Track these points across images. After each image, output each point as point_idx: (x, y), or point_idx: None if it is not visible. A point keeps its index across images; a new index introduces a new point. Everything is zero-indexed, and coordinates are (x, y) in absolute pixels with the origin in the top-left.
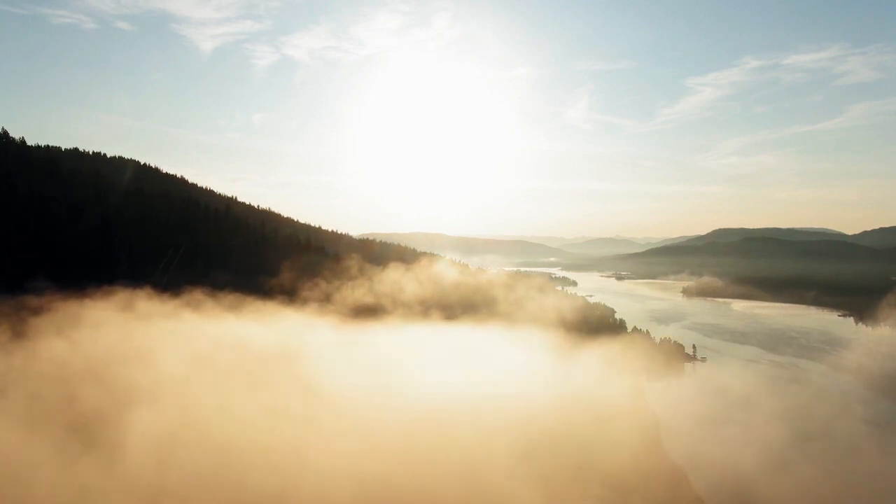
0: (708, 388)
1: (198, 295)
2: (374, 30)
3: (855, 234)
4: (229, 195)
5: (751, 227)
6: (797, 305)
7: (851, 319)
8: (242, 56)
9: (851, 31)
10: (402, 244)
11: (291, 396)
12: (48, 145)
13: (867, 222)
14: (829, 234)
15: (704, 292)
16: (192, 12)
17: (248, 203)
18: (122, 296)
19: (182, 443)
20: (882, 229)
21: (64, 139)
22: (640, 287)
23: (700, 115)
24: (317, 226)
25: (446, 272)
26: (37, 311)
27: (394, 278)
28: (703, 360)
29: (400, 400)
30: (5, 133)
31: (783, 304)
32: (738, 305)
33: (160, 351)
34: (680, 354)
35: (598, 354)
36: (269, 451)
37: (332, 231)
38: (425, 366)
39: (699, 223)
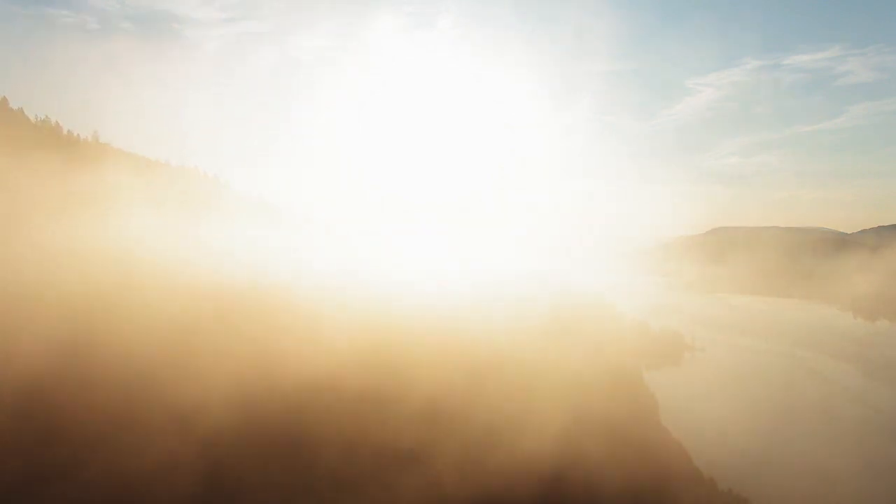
0: (706, 374)
1: None
2: (377, 31)
3: (854, 233)
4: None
5: (750, 225)
6: (796, 300)
7: (850, 314)
8: (245, 56)
9: (851, 31)
10: None
11: None
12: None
13: (866, 221)
14: (828, 232)
15: (704, 287)
16: (195, 13)
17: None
18: None
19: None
20: (880, 227)
21: None
22: (641, 282)
23: (700, 115)
24: None
25: None
26: None
27: None
28: (702, 349)
29: None
30: (5, 101)
31: (782, 299)
32: (738, 300)
33: None
34: (679, 344)
35: None
36: None
37: None
38: None
39: (699, 222)
